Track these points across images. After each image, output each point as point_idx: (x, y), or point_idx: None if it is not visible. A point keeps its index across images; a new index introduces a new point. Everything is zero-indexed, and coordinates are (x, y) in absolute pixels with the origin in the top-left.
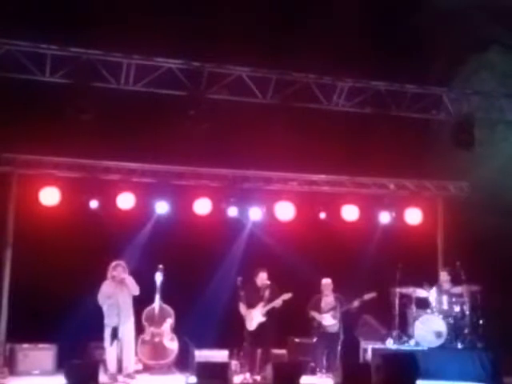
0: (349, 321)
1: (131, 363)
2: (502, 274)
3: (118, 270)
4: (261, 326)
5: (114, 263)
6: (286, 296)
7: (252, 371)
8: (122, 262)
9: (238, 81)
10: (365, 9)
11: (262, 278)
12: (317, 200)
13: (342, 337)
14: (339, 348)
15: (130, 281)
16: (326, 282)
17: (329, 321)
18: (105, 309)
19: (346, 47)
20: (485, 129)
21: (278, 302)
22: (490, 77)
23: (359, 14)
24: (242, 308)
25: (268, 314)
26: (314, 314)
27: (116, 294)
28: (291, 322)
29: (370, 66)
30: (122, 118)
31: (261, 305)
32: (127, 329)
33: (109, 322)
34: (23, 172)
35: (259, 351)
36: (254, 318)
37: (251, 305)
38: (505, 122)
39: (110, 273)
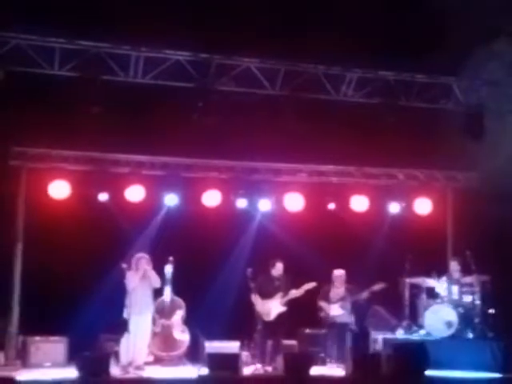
0: (359, 311)
1: (142, 356)
2: (511, 264)
3: (142, 262)
4: (280, 316)
5: (137, 255)
6: (310, 285)
7: (263, 362)
8: (145, 255)
9: (246, 72)
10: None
11: (279, 269)
12: (326, 191)
13: (354, 327)
14: (349, 338)
15: (153, 273)
16: (339, 272)
17: (336, 311)
18: (127, 301)
19: (354, 37)
20: (494, 119)
21: (301, 291)
22: (499, 66)
23: (368, 4)
24: (256, 299)
25: (288, 304)
26: (323, 303)
27: (137, 286)
28: (301, 313)
29: (378, 56)
30: (131, 111)
31: (279, 295)
32: (145, 321)
33: (128, 314)
34: (33, 166)
35: (270, 342)
36: (273, 308)
37: (267, 295)
38: None
39: (133, 264)
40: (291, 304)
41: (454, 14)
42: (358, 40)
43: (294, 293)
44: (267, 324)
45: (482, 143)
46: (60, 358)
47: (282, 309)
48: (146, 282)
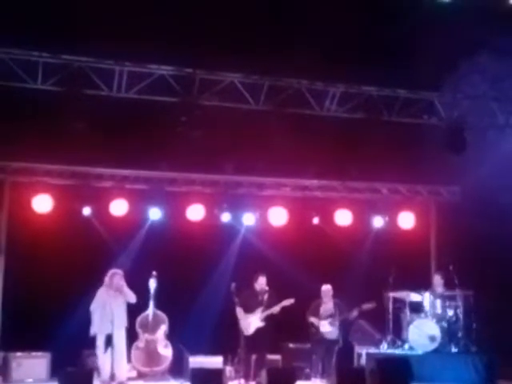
0: (343, 326)
1: (123, 371)
2: (494, 278)
3: (116, 278)
4: (258, 331)
5: (111, 271)
6: (287, 302)
7: (247, 377)
8: (119, 271)
9: (230, 87)
10: (356, 14)
11: (262, 283)
12: (310, 205)
13: (340, 344)
14: (335, 354)
15: (127, 289)
16: (326, 288)
17: (326, 328)
18: (96, 316)
19: (337, 53)
20: (476, 133)
21: (276, 308)
22: (480, 81)
23: (350, 20)
24: (239, 313)
25: (266, 319)
26: (313, 319)
27: (111, 302)
28: (285, 328)
29: (361, 71)
30: (115, 125)
31: (259, 310)
32: (120, 336)
33: (102, 330)
34: (15, 179)
35: (254, 357)
36: (252, 322)
37: (249, 309)
38: (496, 126)
39: (107, 280)
40: (276, 318)
41: (434, 28)
42: (341, 55)
43: (272, 309)
44: (247, 338)
45: (465, 157)
46: (42, 374)
47: (261, 324)
48: (121, 297)
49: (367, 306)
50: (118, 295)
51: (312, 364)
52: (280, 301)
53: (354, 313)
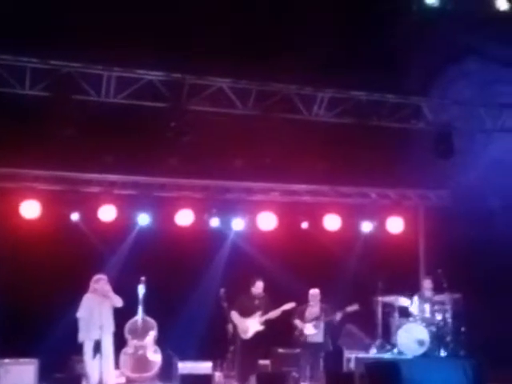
0: (332, 330)
1: (111, 377)
2: (483, 281)
3: (101, 283)
4: (258, 335)
5: (96, 277)
6: (288, 306)
7: (243, 381)
8: (103, 276)
9: (218, 92)
10: (344, 19)
11: (259, 287)
12: (299, 210)
13: (326, 346)
14: (322, 358)
15: (113, 294)
16: (314, 292)
17: (310, 330)
18: (84, 322)
19: (325, 58)
20: (464, 138)
21: (277, 312)
22: (468, 86)
23: (338, 25)
24: (235, 316)
25: (266, 323)
26: (297, 322)
27: (97, 308)
28: (275, 333)
29: (349, 76)
30: (103, 130)
31: (258, 314)
32: (107, 342)
33: (90, 336)
34: (3, 185)
35: (244, 362)
36: (251, 326)
37: (246, 313)
38: (484, 131)
39: (92, 286)
40: (272, 323)
41: (423, 34)
42: (330, 60)
43: (273, 313)
44: (244, 342)
45: (453, 162)
46: (30, 381)
47: (260, 328)
48: (107, 302)
49: (351, 309)
50: (104, 300)
51: (300, 369)
52: (275, 305)
53: (338, 315)
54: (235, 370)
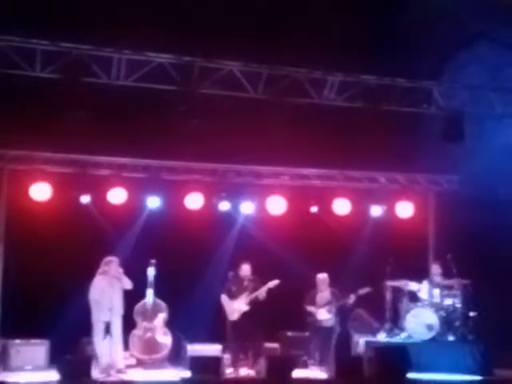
0: (341, 314)
1: (120, 358)
2: (492, 267)
3: (112, 265)
4: (243, 315)
5: (106, 258)
6: (272, 284)
7: (235, 364)
8: (115, 258)
9: (229, 75)
10: (355, 3)
11: (244, 270)
12: (308, 194)
13: (337, 331)
14: (333, 342)
15: (124, 276)
16: (322, 276)
17: (324, 315)
18: (94, 304)
19: (336, 41)
20: (474, 123)
21: (262, 291)
22: (479, 71)
23: (349, 9)
24: (224, 299)
25: (251, 303)
26: (310, 308)
27: (108, 289)
28: (283, 316)
29: (360, 60)
30: (113, 113)
31: (244, 295)
32: (117, 324)
33: (101, 317)
34: (14, 167)
35: (241, 343)
36: (237, 307)
37: (233, 296)
38: (494, 116)
39: (103, 268)
40: (263, 305)
41: (434, 18)
42: (340, 44)
43: (257, 292)
44: (232, 324)
45: (463, 147)
46: (41, 361)
47: (245, 308)
48: (118, 284)
49: (363, 291)
50: (114, 282)
51: (309, 352)
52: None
53: (352, 298)
54: (229, 354)
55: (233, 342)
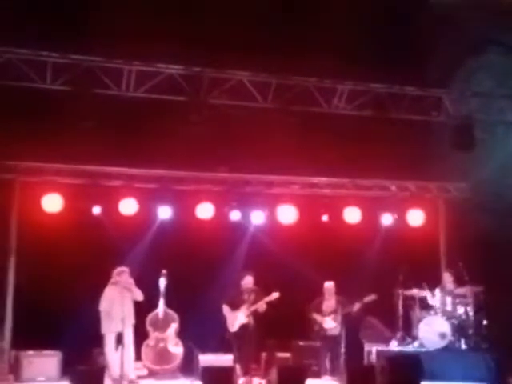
0: (352, 323)
1: (132, 369)
2: (504, 274)
3: (123, 276)
4: (243, 327)
5: (118, 269)
6: (271, 297)
7: (246, 373)
8: (126, 268)
9: (238, 85)
10: (364, 12)
11: (247, 282)
12: (319, 203)
13: (343, 339)
14: (342, 351)
15: (135, 287)
16: (329, 285)
17: (329, 324)
18: (105, 315)
19: (345, 50)
20: (485, 130)
21: (261, 304)
22: (488, 78)
23: (358, 18)
24: (226, 310)
25: (251, 315)
26: (316, 316)
27: (119, 300)
28: (295, 326)
29: (369, 69)
30: (124, 124)
31: (244, 307)
32: (128, 334)
33: (112, 328)
34: (25, 179)
35: (263, 355)
36: (237, 319)
37: (235, 307)
38: (504, 123)
39: (114, 278)
40: (264, 317)
41: (443, 26)
42: (350, 52)
43: (256, 305)
44: (232, 335)
45: (473, 154)
46: (53, 372)
47: (245, 320)
48: (129, 295)
49: (368, 299)
50: (125, 293)
51: (321, 362)
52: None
53: (356, 306)
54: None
55: (236, 352)
